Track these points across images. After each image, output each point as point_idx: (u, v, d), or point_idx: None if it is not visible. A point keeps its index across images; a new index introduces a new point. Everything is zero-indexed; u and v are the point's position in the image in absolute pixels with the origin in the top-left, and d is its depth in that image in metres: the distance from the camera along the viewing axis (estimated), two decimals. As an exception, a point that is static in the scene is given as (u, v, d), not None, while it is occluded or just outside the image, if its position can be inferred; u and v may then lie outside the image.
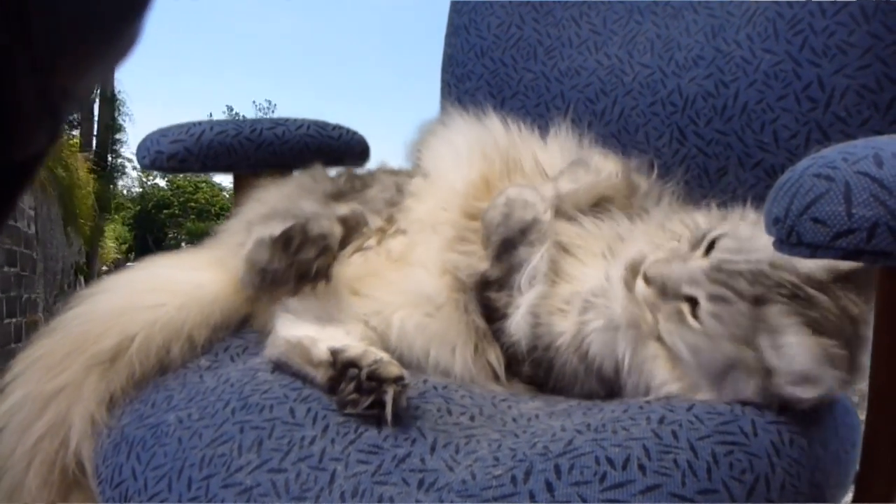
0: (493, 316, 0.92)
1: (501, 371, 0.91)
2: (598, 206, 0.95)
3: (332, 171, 1.20)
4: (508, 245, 0.91)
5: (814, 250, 0.56)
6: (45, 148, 0.35)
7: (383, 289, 0.96)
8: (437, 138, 1.11)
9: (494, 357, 0.91)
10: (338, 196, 1.05)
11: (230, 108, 32.03)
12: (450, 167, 1.05)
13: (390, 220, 1.02)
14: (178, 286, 0.99)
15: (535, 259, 0.90)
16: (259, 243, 0.93)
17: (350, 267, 0.98)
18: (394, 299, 0.94)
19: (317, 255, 0.92)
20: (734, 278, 0.74)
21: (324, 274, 0.92)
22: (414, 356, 0.92)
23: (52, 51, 0.32)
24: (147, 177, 27.07)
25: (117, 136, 14.55)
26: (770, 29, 1.08)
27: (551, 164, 1.04)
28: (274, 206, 1.04)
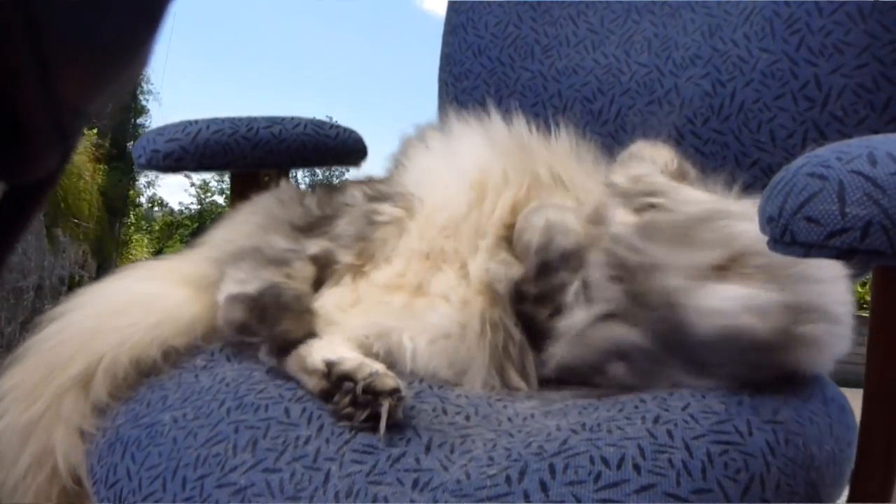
0: (531, 325, 0.90)
1: (526, 386, 0.89)
2: None
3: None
4: (548, 269, 0.90)
5: (808, 249, 0.56)
6: (56, 170, 0.35)
7: (382, 313, 0.94)
8: (425, 154, 1.09)
9: (516, 377, 0.89)
10: (307, 228, 1.02)
11: (288, 112, 30.99)
12: (453, 185, 1.03)
13: (361, 254, 0.99)
14: (155, 303, 0.96)
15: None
16: (231, 301, 0.92)
17: (329, 297, 0.96)
18: (401, 324, 0.92)
19: (295, 325, 0.89)
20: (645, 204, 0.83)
21: (306, 335, 0.89)
22: (420, 371, 0.91)
23: (63, 68, 0.31)
24: (204, 193, 25.93)
25: (139, 121, 12.88)
26: (767, 28, 1.07)
27: (562, 169, 1.03)
28: (242, 243, 1.02)
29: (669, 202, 0.79)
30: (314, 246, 0.98)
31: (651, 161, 0.95)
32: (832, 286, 0.76)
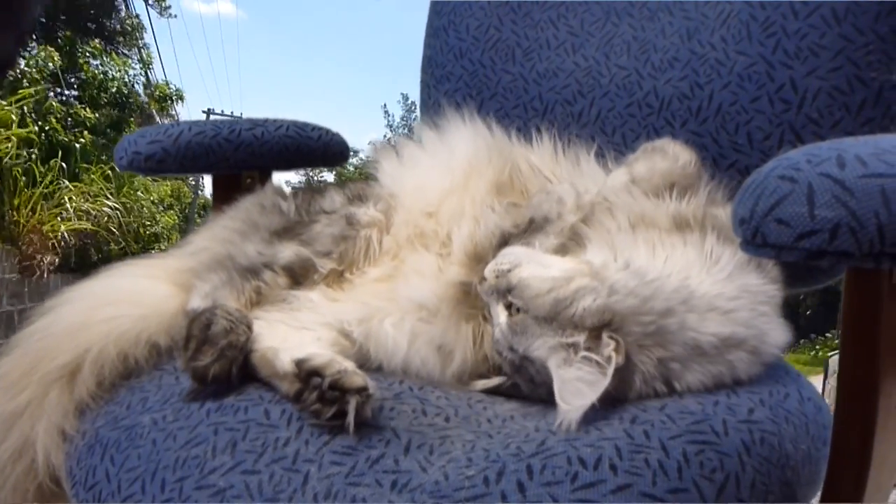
0: None
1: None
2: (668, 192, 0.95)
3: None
4: (533, 225, 0.94)
5: (778, 251, 0.57)
6: (12, 53, 0.33)
7: (367, 294, 0.96)
8: (413, 148, 1.12)
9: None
10: (282, 232, 1.02)
11: (405, 96, 29.54)
12: (428, 174, 1.06)
13: (342, 259, 1.00)
14: (141, 297, 0.98)
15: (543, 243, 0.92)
16: (185, 316, 0.94)
17: (315, 291, 0.98)
18: (384, 305, 0.94)
19: (211, 360, 0.84)
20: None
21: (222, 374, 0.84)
22: (399, 363, 0.92)
23: None
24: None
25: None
26: (744, 31, 1.09)
27: (545, 165, 1.05)
28: (217, 251, 1.02)
29: (520, 301, 0.82)
30: (287, 250, 0.99)
31: (673, 157, 0.96)
32: None
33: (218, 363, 0.83)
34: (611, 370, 0.73)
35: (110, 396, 0.90)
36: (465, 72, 1.38)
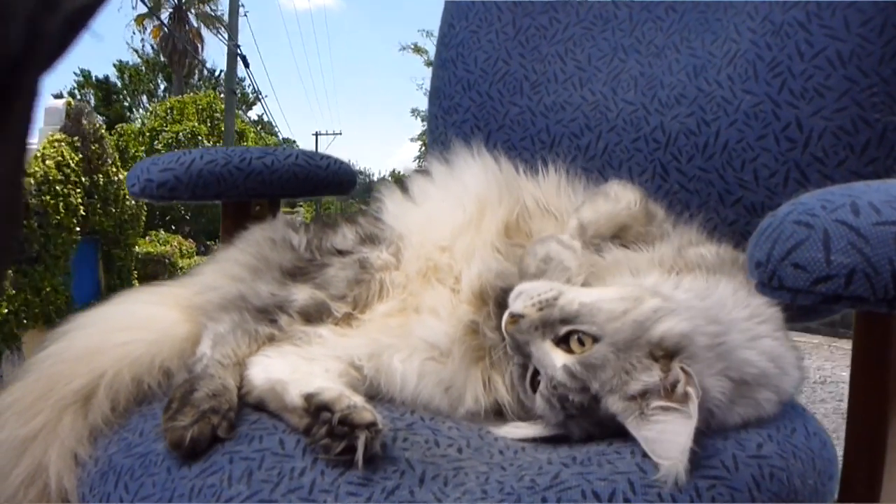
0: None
1: (511, 399, 0.89)
2: (618, 235, 0.95)
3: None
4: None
5: (795, 294, 0.59)
6: (36, 69, 0.32)
7: (377, 330, 0.96)
8: (424, 182, 1.12)
9: (503, 390, 0.90)
10: (296, 273, 1.02)
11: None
12: (440, 208, 1.06)
13: (356, 303, 0.99)
14: (153, 323, 0.98)
15: None
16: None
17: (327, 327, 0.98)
18: (393, 342, 0.94)
19: (190, 420, 0.81)
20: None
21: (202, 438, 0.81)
22: (408, 398, 0.92)
23: None
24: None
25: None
26: (750, 70, 1.11)
27: (550, 201, 1.06)
28: (227, 291, 1.01)
29: (594, 328, 0.77)
30: (301, 293, 0.99)
31: (615, 199, 0.97)
32: None
33: (197, 425, 0.80)
34: (694, 408, 0.69)
35: (123, 423, 0.90)
36: (473, 103, 1.40)
